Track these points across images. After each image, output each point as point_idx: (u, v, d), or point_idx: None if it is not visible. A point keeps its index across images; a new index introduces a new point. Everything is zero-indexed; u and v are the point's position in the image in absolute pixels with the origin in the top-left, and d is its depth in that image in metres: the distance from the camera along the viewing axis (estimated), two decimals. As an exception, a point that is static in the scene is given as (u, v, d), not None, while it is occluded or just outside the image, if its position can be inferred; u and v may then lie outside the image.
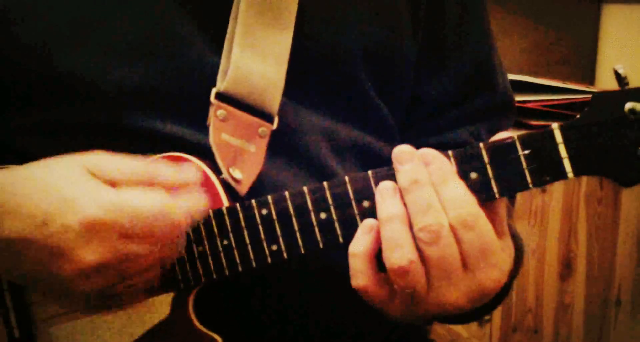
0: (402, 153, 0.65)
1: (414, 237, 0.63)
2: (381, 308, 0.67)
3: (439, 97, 0.89)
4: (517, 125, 1.69)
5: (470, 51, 0.90)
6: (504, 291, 0.71)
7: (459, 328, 1.73)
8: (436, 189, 0.64)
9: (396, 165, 0.65)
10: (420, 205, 0.63)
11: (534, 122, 1.70)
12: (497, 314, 1.66)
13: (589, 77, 2.01)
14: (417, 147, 0.90)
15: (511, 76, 1.70)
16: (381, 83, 0.83)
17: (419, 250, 0.63)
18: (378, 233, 0.65)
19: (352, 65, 0.81)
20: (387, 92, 0.84)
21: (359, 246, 0.65)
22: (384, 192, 0.65)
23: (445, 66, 0.89)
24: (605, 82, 1.99)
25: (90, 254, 0.64)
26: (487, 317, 1.66)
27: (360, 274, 0.65)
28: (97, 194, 0.64)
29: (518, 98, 1.68)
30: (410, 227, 0.64)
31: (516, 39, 1.93)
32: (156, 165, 0.68)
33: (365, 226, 0.65)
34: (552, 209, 1.68)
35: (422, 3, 0.85)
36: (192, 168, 0.70)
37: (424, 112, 0.90)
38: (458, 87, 0.89)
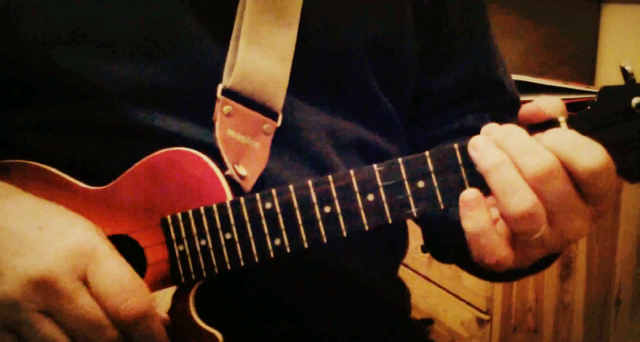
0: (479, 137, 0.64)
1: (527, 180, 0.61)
2: (510, 263, 0.65)
3: (443, 94, 0.90)
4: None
5: (475, 49, 0.91)
6: None
7: (459, 328, 1.73)
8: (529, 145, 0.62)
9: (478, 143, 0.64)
10: (524, 147, 0.61)
11: (533, 122, 1.70)
12: (497, 314, 1.66)
13: (589, 77, 2.01)
14: (422, 141, 0.91)
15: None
16: (385, 79, 0.83)
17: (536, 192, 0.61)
18: (485, 202, 0.63)
19: (355, 61, 0.81)
20: (391, 87, 0.85)
21: (481, 220, 0.63)
22: (479, 145, 0.63)
23: (451, 63, 0.89)
24: (605, 82, 1.98)
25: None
26: (487, 318, 1.66)
27: (497, 247, 0.63)
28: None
29: (518, 98, 1.68)
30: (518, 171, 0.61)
31: (516, 39, 1.93)
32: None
33: (471, 200, 0.63)
34: (552, 209, 1.68)
35: None
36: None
37: (430, 107, 0.90)
38: (463, 85, 0.90)
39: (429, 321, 1.78)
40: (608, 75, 2.00)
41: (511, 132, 0.62)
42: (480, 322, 1.67)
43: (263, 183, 0.75)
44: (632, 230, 1.75)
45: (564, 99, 1.88)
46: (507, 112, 0.93)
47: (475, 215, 0.62)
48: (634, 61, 1.91)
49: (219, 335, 0.71)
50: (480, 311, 1.67)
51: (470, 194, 0.63)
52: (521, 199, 0.60)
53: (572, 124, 0.63)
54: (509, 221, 0.62)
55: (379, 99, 0.84)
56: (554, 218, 0.62)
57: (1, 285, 0.64)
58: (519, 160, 0.61)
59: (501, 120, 0.91)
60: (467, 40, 0.90)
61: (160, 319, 0.69)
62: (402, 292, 0.91)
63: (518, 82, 1.69)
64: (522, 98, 1.68)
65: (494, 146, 0.62)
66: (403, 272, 0.95)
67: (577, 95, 1.74)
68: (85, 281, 0.65)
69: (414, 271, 1.82)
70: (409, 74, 0.86)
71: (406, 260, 1.22)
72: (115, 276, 0.66)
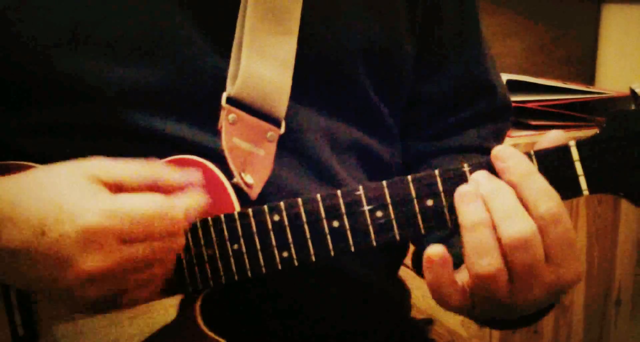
0: (482, 173, 0.65)
1: (500, 242, 0.62)
2: (462, 312, 0.67)
3: (437, 99, 0.90)
4: (518, 126, 1.70)
5: (467, 54, 0.91)
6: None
7: (459, 328, 1.73)
8: (520, 183, 0.63)
9: (475, 176, 0.65)
10: (508, 210, 0.62)
11: (533, 122, 1.71)
12: (497, 314, 1.66)
13: (589, 77, 2.01)
14: (424, 151, 0.91)
15: (511, 76, 1.70)
16: (381, 83, 0.84)
17: (504, 255, 0.62)
18: (449, 259, 0.64)
19: (352, 66, 0.81)
20: (388, 92, 0.85)
21: (440, 276, 0.64)
22: (466, 197, 0.64)
23: (443, 68, 0.90)
24: (605, 82, 1.99)
25: (90, 262, 0.63)
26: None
27: (451, 298, 0.65)
28: (93, 200, 0.64)
29: (518, 98, 1.68)
30: (493, 230, 0.63)
31: (516, 39, 1.93)
32: (160, 167, 0.68)
33: (435, 258, 0.64)
34: (552, 209, 1.68)
35: (418, 4, 0.86)
36: (195, 171, 0.70)
37: (423, 113, 0.90)
38: (456, 90, 0.90)
39: (429, 321, 1.79)
40: (608, 75, 2.00)
41: (500, 191, 0.63)
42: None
43: (266, 187, 0.75)
44: (632, 230, 1.75)
45: (563, 99, 1.86)
46: (500, 118, 0.95)
47: (435, 269, 0.64)
48: (634, 61, 1.91)
49: None
50: (481, 311, 1.66)
51: (435, 253, 0.64)
52: (488, 263, 0.62)
53: (581, 148, 0.63)
54: (471, 276, 0.63)
55: (375, 103, 0.84)
56: (516, 283, 0.63)
57: (80, 219, 0.63)
58: (499, 224, 0.62)
59: (496, 132, 0.92)
60: (460, 45, 0.90)
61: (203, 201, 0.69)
62: (402, 291, 0.92)
63: (518, 82, 1.70)
64: (522, 98, 1.70)
65: (478, 202, 0.63)
66: (403, 272, 0.96)
67: (577, 95, 1.74)
68: (124, 239, 0.65)
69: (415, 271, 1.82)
70: (405, 79, 0.87)
71: (406, 260, 1.22)
72: (141, 223, 0.65)
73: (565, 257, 0.63)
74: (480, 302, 0.65)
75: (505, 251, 0.62)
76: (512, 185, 0.63)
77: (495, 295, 0.63)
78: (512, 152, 0.64)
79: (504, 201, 0.62)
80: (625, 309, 1.78)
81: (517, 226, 0.61)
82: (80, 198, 0.64)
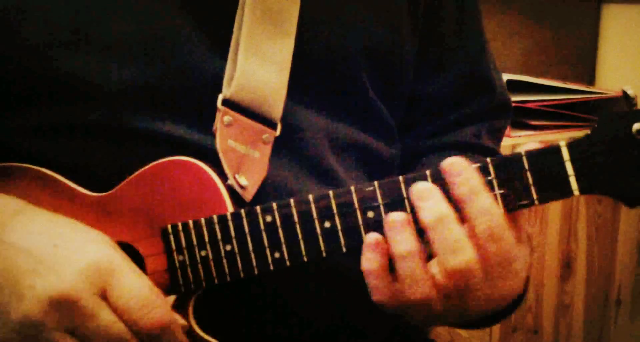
0: (422, 191, 0.66)
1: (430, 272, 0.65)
2: (400, 315, 0.69)
3: (438, 97, 0.90)
4: (518, 126, 1.70)
5: (468, 52, 0.91)
6: (520, 297, 0.72)
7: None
8: (465, 200, 0.64)
9: (417, 202, 0.66)
10: (448, 244, 0.64)
11: (533, 122, 1.71)
12: (497, 314, 1.66)
13: (589, 77, 2.01)
14: (420, 148, 0.91)
15: (511, 76, 1.70)
16: (381, 83, 0.84)
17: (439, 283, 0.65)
18: (385, 248, 0.65)
19: (352, 65, 0.81)
20: (388, 92, 0.85)
21: (371, 263, 0.66)
22: (394, 228, 0.66)
23: (444, 66, 0.90)
24: (605, 82, 1.99)
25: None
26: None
27: (379, 290, 0.66)
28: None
29: (518, 98, 1.68)
30: (423, 260, 0.65)
31: (516, 39, 1.93)
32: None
33: (371, 244, 0.66)
34: (552, 209, 1.68)
35: (420, 1, 0.86)
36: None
37: (423, 112, 0.90)
38: (456, 88, 0.90)
39: (429, 321, 1.78)
40: (608, 75, 1.99)
41: (442, 220, 0.64)
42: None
43: (262, 186, 0.75)
44: (632, 230, 1.75)
45: (563, 99, 1.85)
46: (499, 116, 0.95)
47: (370, 257, 0.66)
48: (634, 61, 1.91)
49: None
50: (480, 311, 1.66)
51: (370, 238, 0.66)
52: (421, 291, 0.65)
53: (572, 148, 0.64)
54: (402, 297, 0.66)
55: (375, 103, 0.84)
56: (451, 301, 0.66)
57: (21, 306, 0.64)
58: (440, 257, 0.65)
59: (493, 130, 0.92)
60: (460, 44, 0.91)
61: (181, 327, 0.69)
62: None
63: (518, 82, 1.70)
64: (522, 98, 1.69)
65: (404, 230, 0.65)
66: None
67: (577, 95, 1.74)
68: (105, 297, 0.65)
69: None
70: (406, 79, 0.87)
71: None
72: (134, 290, 0.65)
73: (502, 273, 0.65)
74: (411, 311, 0.67)
75: (444, 280, 0.64)
76: (458, 200, 0.65)
77: (428, 309, 0.66)
78: (462, 167, 0.65)
79: (447, 233, 0.64)
80: (625, 309, 1.78)
81: (459, 260, 0.64)
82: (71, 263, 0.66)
